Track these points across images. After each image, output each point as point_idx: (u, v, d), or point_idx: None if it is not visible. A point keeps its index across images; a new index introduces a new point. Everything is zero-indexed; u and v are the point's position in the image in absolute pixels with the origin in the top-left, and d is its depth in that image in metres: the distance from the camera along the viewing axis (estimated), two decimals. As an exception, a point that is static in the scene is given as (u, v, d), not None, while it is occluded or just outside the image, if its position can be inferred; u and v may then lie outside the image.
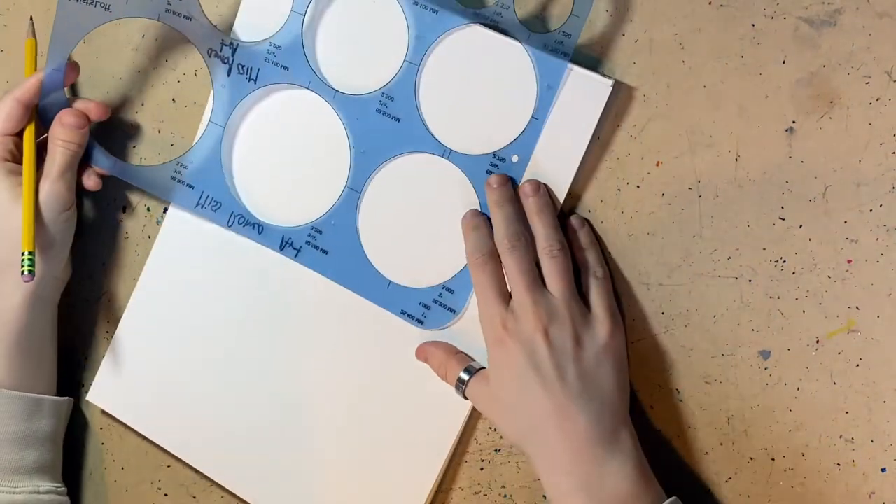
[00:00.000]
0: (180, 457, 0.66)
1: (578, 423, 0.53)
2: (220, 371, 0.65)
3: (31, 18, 0.65)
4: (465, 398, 0.59)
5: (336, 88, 0.61)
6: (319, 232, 0.62)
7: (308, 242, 0.62)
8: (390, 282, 0.61)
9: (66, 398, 0.66)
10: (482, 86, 0.59)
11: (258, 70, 0.62)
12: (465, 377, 0.58)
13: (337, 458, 0.63)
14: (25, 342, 0.62)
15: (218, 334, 0.65)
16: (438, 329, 0.61)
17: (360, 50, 0.61)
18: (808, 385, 0.57)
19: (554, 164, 0.58)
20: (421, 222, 0.61)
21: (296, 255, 0.63)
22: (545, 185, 0.58)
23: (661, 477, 0.55)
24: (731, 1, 0.56)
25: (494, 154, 0.59)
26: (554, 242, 0.56)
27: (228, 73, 0.62)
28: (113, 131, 0.66)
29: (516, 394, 0.55)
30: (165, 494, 0.68)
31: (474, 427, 0.62)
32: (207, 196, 0.64)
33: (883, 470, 0.56)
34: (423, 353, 0.61)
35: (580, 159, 0.58)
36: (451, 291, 0.60)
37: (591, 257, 0.58)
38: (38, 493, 0.62)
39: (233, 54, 0.62)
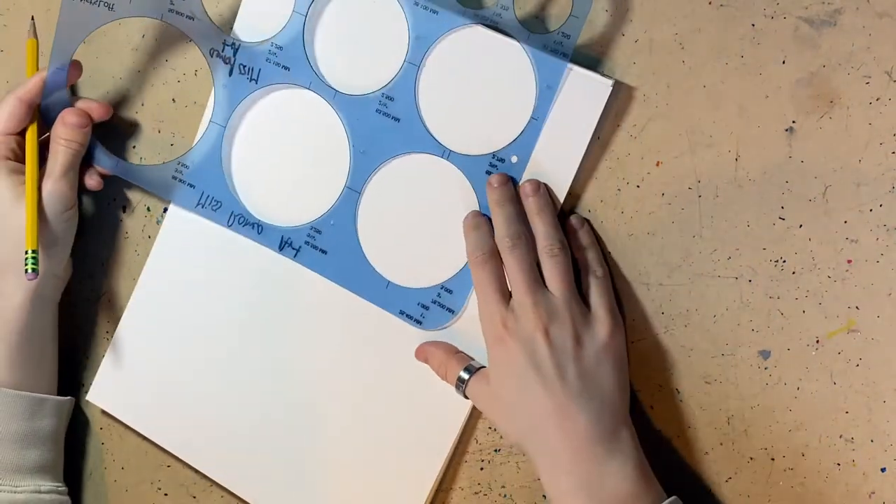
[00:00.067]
0: (180, 457, 0.66)
1: (578, 423, 0.53)
2: (220, 371, 0.65)
3: (33, 18, 0.65)
4: (466, 397, 0.59)
5: (336, 89, 0.61)
6: (318, 232, 0.62)
7: (307, 242, 0.62)
8: (389, 282, 0.61)
9: (68, 398, 0.66)
10: (482, 86, 0.59)
11: (259, 70, 0.62)
12: (466, 376, 0.58)
13: (337, 457, 0.63)
14: (27, 341, 0.62)
15: (218, 334, 0.65)
16: (437, 329, 0.61)
17: (361, 50, 0.61)
18: (808, 385, 0.57)
19: (554, 164, 0.58)
20: (420, 222, 0.61)
21: (295, 255, 0.63)
22: (545, 184, 0.58)
23: (661, 477, 0.55)
24: (731, 1, 0.56)
25: (494, 154, 0.59)
26: (554, 242, 0.56)
27: (230, 73, 0.62)
28: (113, 131, 0.67)
29: (516, 393, 0.55)
30: (165, 494, 0.68)
31: (474, 427, 0.62)
32: (208, 196, 0.64)
33: (883, 470, 0.56)
34: (422, 353, 0.61)
35: (580, 159, 0.58)
36: (450, 292, 0.60)
37: (591, 257, 0.58)
38: (40, 492, 0.62)
39: (234, 54, 0.62)
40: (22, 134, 0.62)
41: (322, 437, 0.64)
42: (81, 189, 0.64)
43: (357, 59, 0.61)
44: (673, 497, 0.54)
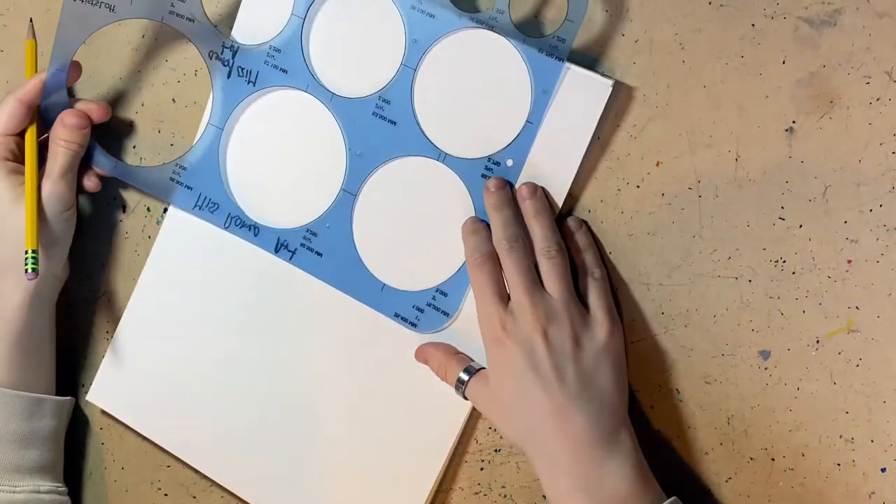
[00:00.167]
0: (180, 457, 0.66)
1: (577, 424, 0.53)
2: (220, 371, 0.65)
3: (31, 20, 0.65)
4: (465, 398, 0.59)
5: (333, 91, 0.61)
6: (314, 234, 0.62)
7: (303, 245, 0.62)
8: (384, 284, 0.61)
9: (68, 398, 0.66)
10: (477, 90, 0.59)
11: (257, 73, 0.62)
12: (465, 377, 0.58)
13: (337, 457, 0.63)
14: (26, 341, 0.62)
15: (218, 334, 0.65)
16: (432, 332, 0.61)
17: (357, 53, 0.61)
18: (808, 385, 0.57)
19: (554, 165, 0.58)
20: (416, 225, 0.61)
21: (291, 258, 0.63)
22: (542, 187, 0.58)
23: (661, 477, 0.55)
24: (731, 1, 0.56)
25: (489, 158, 0.59)
26: (551, 244, 0.56)
27: (228, 76, 0.62)
28: (113, 131, 0.67)
29: (515, 394, 0.55)
30: (165, 494, 0.68)
31: (474, 427, 0.62)
32: (205, 198, 0.64)
33: (883, 470, 0.56)
34: (422, 354, 0.61)
35: (580, 160, 0.58)
36: (445, 295, 0.60)
37: (589, 258, 0.58)
38: (39, 492, 0.62)
39: (233, 57, 0.62)
40: (21, 135, 0.63)
41: (322, 437, 0.64)
42: (79, 189, 0.64)
43: (354, 61, 0.61)
44: (672, 497, 0.54)
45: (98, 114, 0.63)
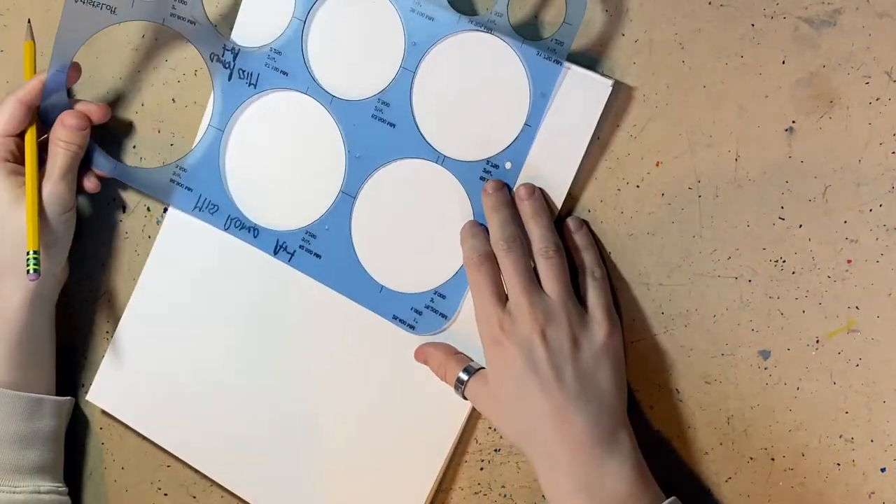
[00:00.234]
0: (180, 457, 0.66)
1: (576, 424, 0.53)
2: (220, 371, 0.65)
3: (29, 21, 0.65)
4: (465, 398, 0.59)
5: (333, 94, 0.61)
6: (313, 236, 0.62)
7: (302, 247, 0.62)
8: (382, 287, 0.61)
9: (68, 398, 0.66)
10: (476, 92, 0.59)
11: (258, 75, 0.62)
12: (465, 377, 0.58)
13: (337, 457, 0.63)
14: (26, 342, 0.63)
15: (218, 334, 0.65)
16: (430, 334, 0.61)
17: (357, 55, 0.61)
18: (808, 385, 0.57)
19: (553, 165, 0.58)
20: (414, 227, 0.61)
21: (290, 259, 0.63)
22: (540, 188, 0.58)
23: (661, 477, 0.55)
24: (731, 1, 0.55)
25: (488, 160, 0.59)
26: (549, 244, 0.56)
27: (229, 78, 0.62)
28: (113, 131, 0.67)
29: (514, 395, 0.55)
30: (165, 494, 0.68)
31: (474, 427, 0.62)
32: (205, 199, 0.64)
33: (883, 470, 0.56)
34: (422, 354, 0.61)
35: (580, 160, 0.58)
36: (443, 297, 0.60)
37: (589, 258, 0.58)
38: (39, 492, 0.62)
39: (234, 59, 0.62)
40: (21, 136, 0.63)
41: (322, 437, 0.64)
42: (80, 191, 0.64)
43: (353, 64, 0.61)
44: (672, 497, 0.54)
45: (98, 115, 0.63)
